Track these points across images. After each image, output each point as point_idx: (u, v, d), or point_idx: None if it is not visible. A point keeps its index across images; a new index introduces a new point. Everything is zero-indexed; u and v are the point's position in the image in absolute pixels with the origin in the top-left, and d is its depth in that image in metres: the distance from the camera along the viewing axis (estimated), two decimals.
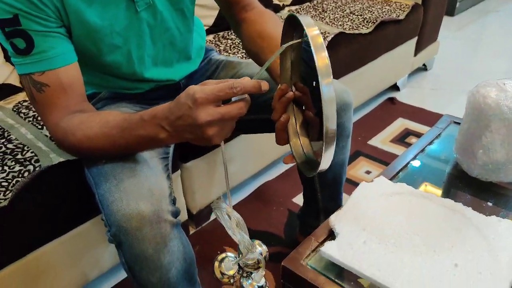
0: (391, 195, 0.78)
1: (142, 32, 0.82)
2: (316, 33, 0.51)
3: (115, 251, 0.72)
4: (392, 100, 1.98)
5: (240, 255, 0.67)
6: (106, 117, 0.69)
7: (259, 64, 0.84)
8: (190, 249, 0.77)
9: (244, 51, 1.44)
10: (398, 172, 0.90)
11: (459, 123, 1.05)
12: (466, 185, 0.86)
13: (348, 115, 0.96)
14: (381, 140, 1.71)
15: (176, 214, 0.73)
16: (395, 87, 2.06)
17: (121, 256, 0.70)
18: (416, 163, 0.94)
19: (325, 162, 0.55)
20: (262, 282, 0.71)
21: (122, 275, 1.17)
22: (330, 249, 0.68)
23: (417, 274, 0.63)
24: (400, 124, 1.81)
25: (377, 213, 0.74)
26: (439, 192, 0.87)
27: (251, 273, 0.71)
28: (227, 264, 0.70)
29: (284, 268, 0.69)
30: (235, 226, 0.65)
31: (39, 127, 1.04)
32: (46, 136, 1.01)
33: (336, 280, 0.66)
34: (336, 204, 1.11)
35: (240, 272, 0.71)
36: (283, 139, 0.66)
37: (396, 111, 1.91)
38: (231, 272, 0.70)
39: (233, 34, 1.60)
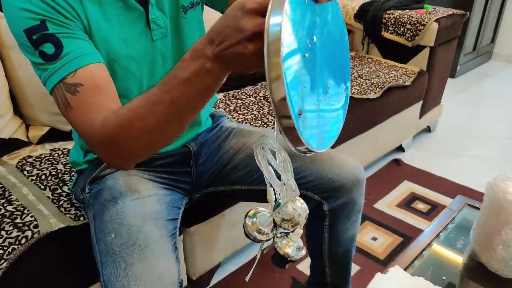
0: None
1: (156, 62, 0.80)
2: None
3: None
4: (397, 161, 1.97)
5: (277, 206, 0.56)
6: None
7: None
8: None
9: (254, 113, 1.44)
10: (413, 261, 0.86)
11: (473, 206, 1.03)
12: (485, 279, 0.82)
13: (360, 191, 0.94)
14: (387, 204, 1.68)
15: None
16: (400, 148, 2.06)
17: None
18: (431, 251, 0.90)
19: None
20: (300, 243, 0.59)
21: None
22: None
23: None
24: (406, 188, 1.79)
25: None
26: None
27: (287, 233, 0.60)
28: (261, 218, 0.59)
29: None
30: (281, 166, 0.54)
31: (42, 187, 1.01)
32: (48, 198, 0.97)
33: None
34: (344, 280, 1.06)
35: (274, 232, 0.59)
36: None
37: (401, 173, 1.89)
38: (267, 228, 0.58)
39: (243, 93, 1.59)
